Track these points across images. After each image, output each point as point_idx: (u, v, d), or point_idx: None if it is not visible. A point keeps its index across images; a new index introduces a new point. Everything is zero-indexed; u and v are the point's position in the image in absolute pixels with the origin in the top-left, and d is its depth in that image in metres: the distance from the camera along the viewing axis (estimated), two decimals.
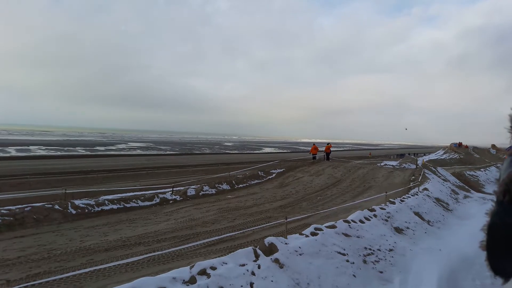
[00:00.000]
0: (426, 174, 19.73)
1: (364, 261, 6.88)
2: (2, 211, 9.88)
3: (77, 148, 56.58)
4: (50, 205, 11.01)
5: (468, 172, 28.55)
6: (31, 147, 51.85)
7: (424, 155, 64.66)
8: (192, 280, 4.87)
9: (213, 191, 16.80)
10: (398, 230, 9.35)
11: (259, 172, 21.56)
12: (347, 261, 6.56)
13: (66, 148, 54.01)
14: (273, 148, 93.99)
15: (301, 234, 7.07)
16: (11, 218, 9.81)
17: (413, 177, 19.28)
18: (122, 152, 53.09)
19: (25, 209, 10.36)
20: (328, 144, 30.19)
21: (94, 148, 59.61)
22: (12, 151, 43.43)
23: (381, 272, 6.76)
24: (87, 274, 6.31)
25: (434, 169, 23.28)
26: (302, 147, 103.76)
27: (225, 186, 17.78)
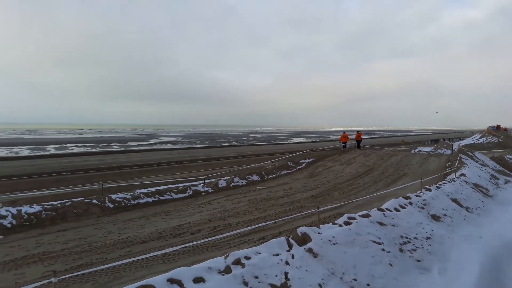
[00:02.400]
0: (463, 159, 19.06)
1: (401, 250, 6.75)
2: (46, 206, 10.36)
3: (111, 144, 58.37)
4: (89, 200, 11.44)
5: (508, 156, 27.36)
6: (68, 145, 53.96)
7: (460, 139, 62.49)
8: (227, 270, 4.93)
9: (244, 182, 16.92)
10: (435, 217, 9.09)
11: (289, 163, 21.49)
12: (383, 250, 6.45)
13: (101, 145, 55.84)
14: (301, 138, 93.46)
15: (334, 223, 7.01)
16: (54, 213, 10.29)
17: (449, 163, 18.67)
18: (154, 147, 54.34)
19: (66, 204, 10.81)
20: (358, 131, 29.69)
21: (128, 143, 61.31)
22: (51, 149, 45.34)
23: (419, 261, 6.61)
24: (126, 265, 6.54)
25: (471, 154, 22.46)
26: (331, 136, 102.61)
27: (255, 177, 17.86)
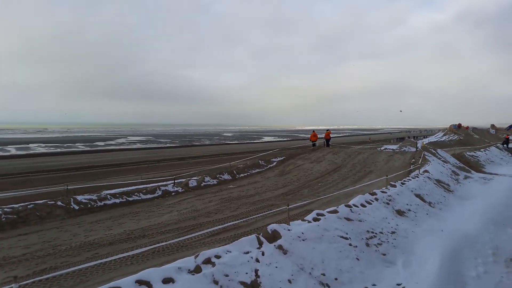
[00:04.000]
0: (426, 157, 19.77)
1: (367, 244, 6.94)
2: (5, 209, 9.89)
3: (76, 144, 56.61)
4: (53, 202, 11.03)
5: (468, 153, 28.58)
6: (30, 145, 51.85)
7: (424, 137, 64.78)
8: (197, 269, 4.91)
9: (215, 181, 16.84)
10: (400, 212, 9.40)
11: (260, 161, 21.58)
12: (350, 244, 6.61)
13: (66, 145, 54.04)
14: (273, 137, 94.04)
15: (303, 220, 7.12)
16: (15, 216, 9.84)
17: (413, 160, 19.32)
18: (122, 147, 53.15)
19: (28, 206, 10.37)
20: (327, 130, 30.20)
21: (94, 143, 59.66)
22: (13, 150, 43.43)
23: (384, 255, 6.82)
24: (93, 268, 6.37)
25: (434, 151, 23.30)
26: (302, 135, 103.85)
27: (226, 176, 17.82)
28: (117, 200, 12.58)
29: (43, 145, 53.24)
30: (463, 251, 7.48)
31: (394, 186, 11.44)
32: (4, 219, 9.60)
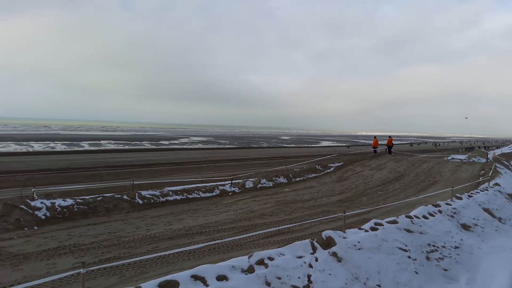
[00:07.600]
0: (498, 169, 18.31)
1: (427, 258, 6.59)
2: (78, 200, 10.79)
3: (143, 142, 59.82)
4: (119, 196, 11.82)
5: None
6: (102, 142, 55.74)
7: (497, 148, 59.98)
8: (251, 270, 4.98)
9: (271, 184, 16.95)
10: (465, 227, 8.80)
11: (317, 166, 21.34)
12: (409, 257, 6.32)
13: (133, 143, 57.32)
14: (331, 142, 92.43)
15: (360, 228, 6.93)
16: (85, 207, 10.70)
17: (483, 172, 17.98)
18: (184, 146, 55.27)
19: (97, 198, 11.22)
20: (389, 137, 29.17)
21: (159, 142, 62.63)
22: (86, 145, 47.00)
23: (446, 270, 6.43)
24: (152, 260, 6.72)
25: (507, 163, 21.52)
26: (362, 140, 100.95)
27: (282, 180, 17.85)
28: (178, 197, 13.15)
29: (113, 142, 56.98)
30: None
31: (460, 198, 10.74)
32: (76, 209, 10.46)
